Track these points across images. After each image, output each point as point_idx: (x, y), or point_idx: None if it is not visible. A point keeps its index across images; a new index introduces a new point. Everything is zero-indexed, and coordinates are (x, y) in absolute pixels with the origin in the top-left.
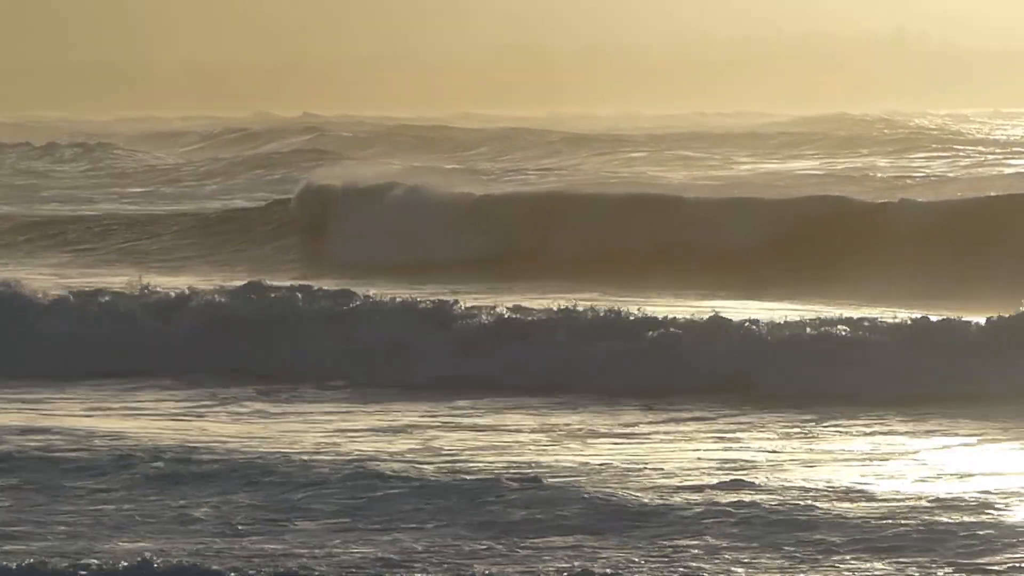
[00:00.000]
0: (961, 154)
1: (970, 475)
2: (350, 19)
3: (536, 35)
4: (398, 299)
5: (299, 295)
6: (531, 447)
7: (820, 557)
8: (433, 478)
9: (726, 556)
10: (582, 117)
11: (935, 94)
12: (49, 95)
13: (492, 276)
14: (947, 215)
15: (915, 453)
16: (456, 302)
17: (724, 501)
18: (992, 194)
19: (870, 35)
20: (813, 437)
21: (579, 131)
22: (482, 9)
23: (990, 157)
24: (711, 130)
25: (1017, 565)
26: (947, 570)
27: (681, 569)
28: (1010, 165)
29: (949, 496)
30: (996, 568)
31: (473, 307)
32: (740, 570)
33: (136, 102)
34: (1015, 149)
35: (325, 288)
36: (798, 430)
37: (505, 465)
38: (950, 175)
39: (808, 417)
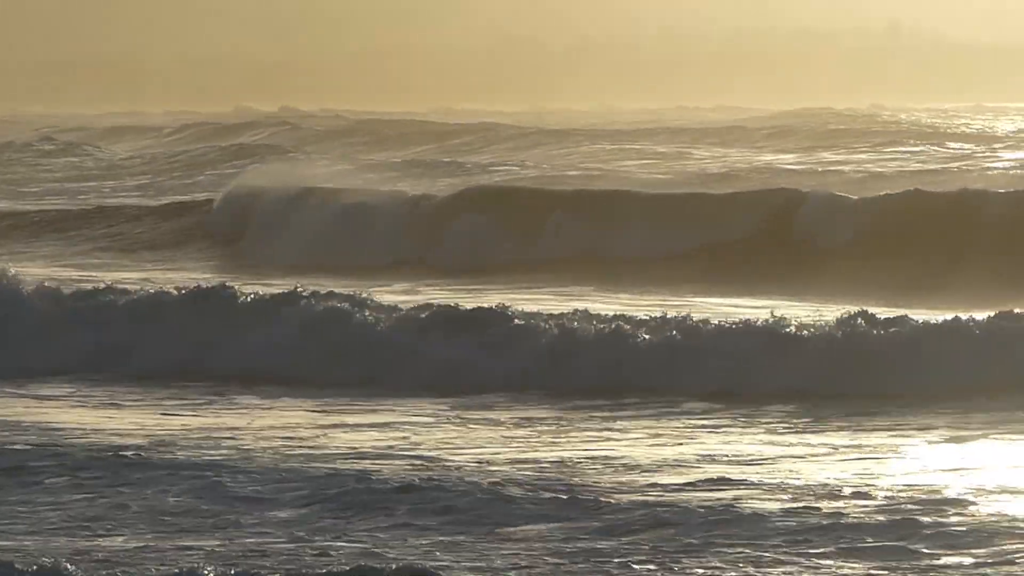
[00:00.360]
0: (926, 150)
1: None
2: (338, 14)
3: (527, 29)
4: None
5: None
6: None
7: None
8: None
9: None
10: (564, 112)
11: (926, 88)
12: (37, 91)
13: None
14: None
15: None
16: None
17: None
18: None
19: (863, 29)
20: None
21: (550, 126)
22: (472, 3)
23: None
24: (684, 124)
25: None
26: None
27: None
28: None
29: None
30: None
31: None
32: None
33: (125, 97)
34: (972, 145)
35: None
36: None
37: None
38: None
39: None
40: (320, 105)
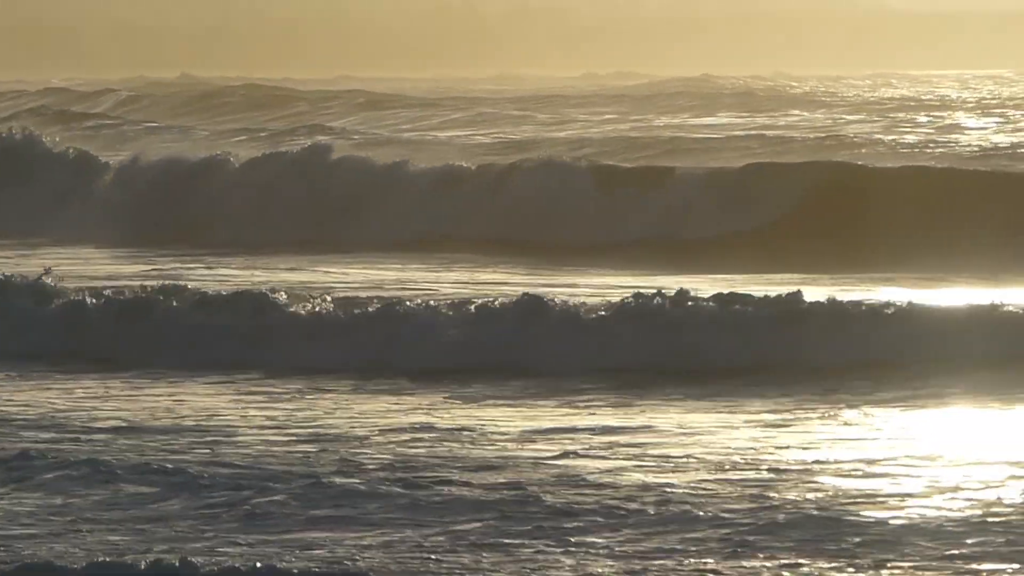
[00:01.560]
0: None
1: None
2: None
3: None
4: None
5: None
6: None
7: None
8: None
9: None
10: (494, 78)
11: (863, 57)
12: None
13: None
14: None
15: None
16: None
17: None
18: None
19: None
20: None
21: (435, 94)
22: None
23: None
24: (563, 92)
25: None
26: None
27: None
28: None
29: None
30: None
31: None
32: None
33: (65, 64)
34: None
35: None
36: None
37: None
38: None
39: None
40: (264, 72)
